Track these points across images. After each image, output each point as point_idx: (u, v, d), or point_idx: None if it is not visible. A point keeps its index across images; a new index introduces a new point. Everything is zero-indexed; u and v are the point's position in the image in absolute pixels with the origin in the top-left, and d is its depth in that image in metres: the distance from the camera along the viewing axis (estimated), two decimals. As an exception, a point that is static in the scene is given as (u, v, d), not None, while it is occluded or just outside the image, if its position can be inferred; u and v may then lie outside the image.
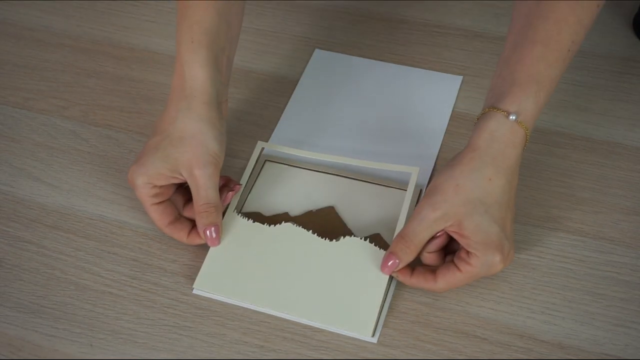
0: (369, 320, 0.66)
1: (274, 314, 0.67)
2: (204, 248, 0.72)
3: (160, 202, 0.70)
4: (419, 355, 0.64)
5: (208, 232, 0.69)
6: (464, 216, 0.63)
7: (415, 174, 0.74)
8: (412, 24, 0.96)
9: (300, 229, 0.72)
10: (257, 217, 0.74)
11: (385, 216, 0.73)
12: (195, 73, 0.70)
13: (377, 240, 0.71)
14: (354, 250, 0.70)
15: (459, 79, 0.87)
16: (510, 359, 0.64)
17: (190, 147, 0.68)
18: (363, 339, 0.65)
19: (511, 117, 0.65)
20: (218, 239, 0.70)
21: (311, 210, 0.75)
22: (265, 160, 0.79)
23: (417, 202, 0.74)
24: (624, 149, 0.80)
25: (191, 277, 0.70)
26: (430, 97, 0.85)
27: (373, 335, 0.65)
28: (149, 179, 0.68)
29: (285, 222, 0.73)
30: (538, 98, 0.66)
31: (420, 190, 0.75)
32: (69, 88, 0.89)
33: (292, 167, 0.78)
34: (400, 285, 0.69)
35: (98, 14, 0.99)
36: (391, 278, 0.68)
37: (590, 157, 0.79)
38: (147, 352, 0.65)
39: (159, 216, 0.70)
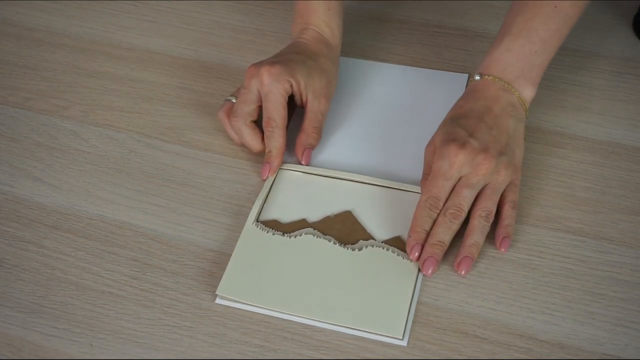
0: (399, 322, 0.66)
1: (299, 321, 0.67)
2: (203, 248, 0.72)
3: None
4: (419, 355, 0.64)
5: (305, 152, 0.77)
6: (437, 134, 0.72)
7: None
8: (412, 24, 0.96)
9: (322, 240, 0.72)
10: (275, 224, 0.74)
11: (404, 218, 0.73)
12: (336, 32, 0.83)
13: (398, 243, 0.71)
14: (376, 257, 0.70)
15: (464, 77, 0.87)
16: (510, 359, 0.64)
17: (327, 80, 0.79)
18: (391, 342, 0.65)
19: (476, 77, 0.75)
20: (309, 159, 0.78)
21: (329, 216, 0.74)
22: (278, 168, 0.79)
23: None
24: (623, 149, 0.80)
25: (191, 277, 0.70)
26: (439, 96, 0.85)
27: (403, 337, 0.65)
28: (293, 81, 0.76)
29: (304, 228, 0.73)
30: (511, 45, 0.74)
31: None
32: (69, 88, 0.90)
33: (305, 174, 0.78)
34: (400, 285, 0.69)
35: (98, 14, 0.99)
36: (417, 281, 0.69)
37: (590, 157, 0.79)
38: (147, 352, 0.65)
39: (285, 111, 0.76)
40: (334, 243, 0.72)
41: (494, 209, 0.70)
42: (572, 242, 0.72)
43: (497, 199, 0.70)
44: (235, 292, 0.68)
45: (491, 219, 0.69)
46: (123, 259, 0.72)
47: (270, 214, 0.75)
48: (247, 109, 0.77)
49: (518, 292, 0.68)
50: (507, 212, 0.70)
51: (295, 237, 0.72)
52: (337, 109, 0.85)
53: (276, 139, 0.76)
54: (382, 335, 0.65)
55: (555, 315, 0.67)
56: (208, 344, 0.66)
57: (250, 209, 0.75)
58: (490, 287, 0.69)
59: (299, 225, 0.74)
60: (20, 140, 0.84)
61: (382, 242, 0.71)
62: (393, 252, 0.71)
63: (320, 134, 0.78)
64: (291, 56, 0.79)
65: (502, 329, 0.66)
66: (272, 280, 0.69)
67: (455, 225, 0.69)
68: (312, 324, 0.67)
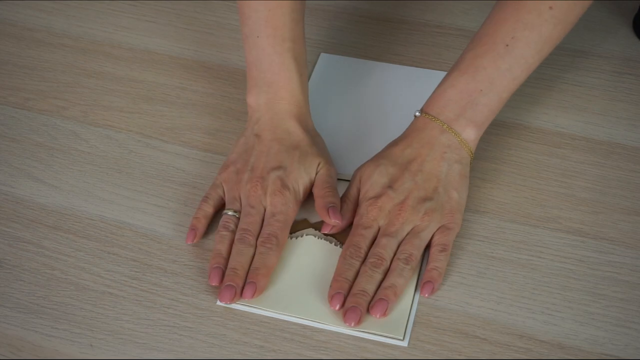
0: (400, 323, 0.66)
1: (299, 322, 0.67)
2: (203, 248, 0.72)
3: None
4: (419, 355, 0.64)
5: (330, 210, 0.71)
6: (365, 164, 0.73)
7: None
8: (412, 24, 0.96)
9: (323, 241, 0.72)
10: None
11: None
12: (306, 97, 0.78)
13: None
14: None
15: None
16: (510, 359, 0.64)
17: (320, 155, 0.75)
18: (393, 343, 0.65)
19: (416, 113, 0.74)
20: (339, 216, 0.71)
21: None
22: None
23: None
24: (623, 149, 0.80)
25: (191, 277, 0.70)
26: None
27: (404, 338, 0.65)
28: (302, 194, 0.73)
29: (305, 228, 0.73)
30: (456, 81, 0.72)
31: None
32: (69, 88, 0.90)
33: None
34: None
35: (98, 14, 0.99)
36: (418, 282, 0.69)
37: (590, 157, 0.79)
38: (147, 352, 0.65)
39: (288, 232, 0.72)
40: (335, 244, 0.72)
41: (416, 252, 0.68)
42: (572, 242, 0.72)
43: (419, 243, 0.68)
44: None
45: (412, 261, 0.67)
46: (123, 259, 0.72)
47: None
48: (256, 229, 0.71)
49: (518, 292, 0.68)
50: (433, 255, 0.68)
51: (297, 237, 0.72)
52: (337, 109, 0.85)
53: (271, 258, 0.69)
54: (383, 336, 0.65)
55: (555, 316, 0.67)
56: (208, 344, 0.66)
57: (250, 209, 0.75)
58: (490, 287, 0.69)
59: (301, 226, 0.74)
60: (20, 140, 0.84)
61: None
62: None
63: (334, 191, 0.72)
64: (286, 162, 0.73)
65: (502, 329, 0.66)
66: (274, 282, 0.69)
67: (378, 274, 0.67)
68: (312, 325, 0.67)
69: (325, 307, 0.67)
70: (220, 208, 0.74)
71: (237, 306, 0.68)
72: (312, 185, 0.74)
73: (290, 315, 0.67)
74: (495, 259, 0.71)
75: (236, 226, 0.71)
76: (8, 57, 0.94)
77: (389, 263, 0.68)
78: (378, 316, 0.65)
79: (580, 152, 0.80)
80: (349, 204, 0.72)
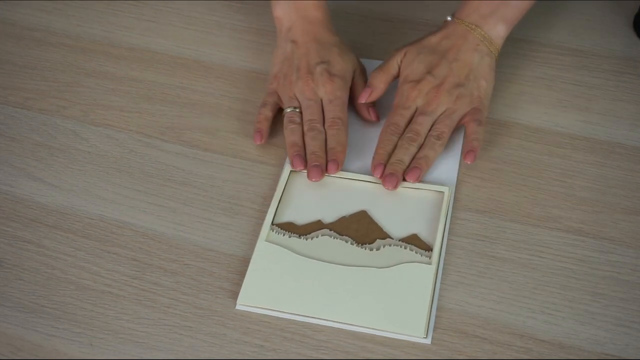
0: (420, 321, 0.66)
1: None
2: (203, 247, 0.72)
3: None
4: (419, 355, 0.64)
5: (371, 109, 0.83)
6: (408, 50, 0.81)
7: (447, 193, 0.74)
8: (412, 24, 0.96)
9: (339, 241, 0.72)
10: (291, 227, 0.74)
11: (419, 216, 0.74)
12: (327, 9, 0.87)
13: (415, 240, 0.72)
14: (395, 256, 0.70)
15: None
16: (510, 359, 0.64)
17: (350, 47, 0.86)
18: (414, 340, 0.65)
19: (447, 18, 0.82)
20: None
21: (344, 216, 0.74)
22: (290, 171, 0.78)
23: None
24: (624, 149, 0.80)
25: (191, 276, 0.70)
26: None
27: (426, 335, 0.65)
28: (350, 82, 0.83)
29: (319, 229, 0.73)
30: None
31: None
32: (69, 88, 0.90)
33: None
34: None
35: (98, 14, 0.99)
36: (436, 280, 0.69)
37: (590, 157, 0.79)
38: (147, 352, 0.65)
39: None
40: (351, 243, 0.72)
41: (447, 131, 0.77)
42: (572, 242, 0.72)
43: (451, 123, 0.77)
44: (256, 299, 0.68)
45: (443, 138, 0.76)
46: (123, 259, 0.72)
47: (285, 216, 0.75)
48: (319, 117, 0.80)
49: (518, 292, 0.68)
50: (472, 128, 0.77)
51: (312, 238, 0.72)
52: (349, 114, 0.85)
53: (342, 136, 0.78)
54: (405, 335, 0.65)
55: (555, 315, 0.67)
56: (208, 343, 0.66)
57: (250, 208, 0.75)
58: (490, 287, 0.69)
59: (315, 227, 0.74)
60: (20, 140, 0.84)
61: (399, 241, 0.72)
62: (411, 250, 0.71)
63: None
64: (328, 56, 0.82)
65: (502, 329, 0.66)
66: (291, 285, 0.69)
67: (413, 148, 0.76)
68: (313, 324, 0.67)
69: (341, 307, 0.67)
70: (277, 113, 0.82)
71: (238, 306, 0.68)
72: (353, 75, 0.83)
73: (312, 318, 0.67)
74: (496, 258, 0.71)
75: (300, 119, 0.79)
76: (8, 57, 0.94)
77: (423, 139, 0.77)
78: (412, 181, 0.75)
79: (580, 152, 0.80)
80: (386, 75, 0.81)
